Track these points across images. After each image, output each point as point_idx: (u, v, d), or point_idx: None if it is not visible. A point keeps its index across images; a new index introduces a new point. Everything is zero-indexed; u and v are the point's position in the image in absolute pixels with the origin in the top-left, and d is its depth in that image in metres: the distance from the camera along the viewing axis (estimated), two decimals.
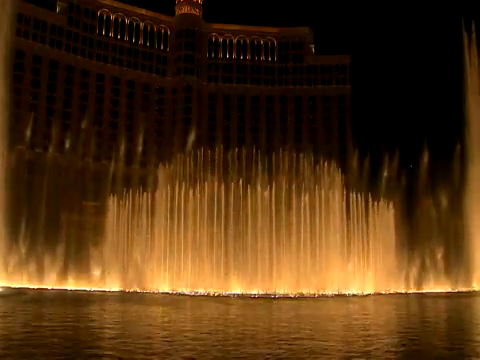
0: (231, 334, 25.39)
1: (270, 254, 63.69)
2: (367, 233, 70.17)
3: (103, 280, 67.64)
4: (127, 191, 75.46)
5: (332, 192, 66.31)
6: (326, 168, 68.55)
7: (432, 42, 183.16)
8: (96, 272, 68.99)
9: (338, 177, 68.03)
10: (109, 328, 27.88)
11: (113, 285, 64.96)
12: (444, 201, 76.46)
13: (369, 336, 25.12)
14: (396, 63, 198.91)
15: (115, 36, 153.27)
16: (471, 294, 60.24)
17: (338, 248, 64.87)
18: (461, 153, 75.93)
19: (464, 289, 63.73)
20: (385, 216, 70.63)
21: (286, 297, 54.05)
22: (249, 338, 23.76)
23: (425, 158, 77.13)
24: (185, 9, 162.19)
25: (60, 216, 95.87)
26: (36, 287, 63.50)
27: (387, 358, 19.13)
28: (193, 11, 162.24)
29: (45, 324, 29.23)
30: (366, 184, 71.92)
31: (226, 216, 66.44)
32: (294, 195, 65.29)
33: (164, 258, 66.15)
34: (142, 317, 33.97)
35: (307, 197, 65.05)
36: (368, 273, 67.94)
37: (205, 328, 27.56)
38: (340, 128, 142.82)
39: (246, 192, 66.08)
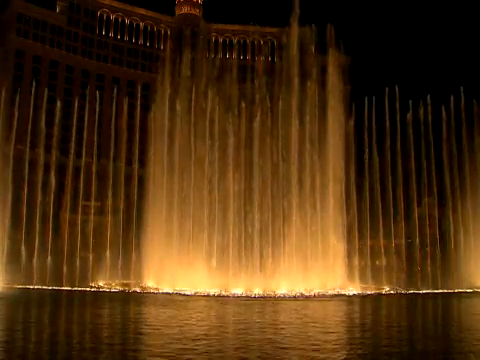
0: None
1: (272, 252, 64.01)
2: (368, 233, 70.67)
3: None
4: (126, 190, 75.71)
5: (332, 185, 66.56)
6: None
7: (432, 42, 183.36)
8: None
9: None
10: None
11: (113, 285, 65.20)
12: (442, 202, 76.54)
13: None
14: (396, 63, 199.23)
15: (115, 36, 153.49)
16: (470, 294, 60.31)
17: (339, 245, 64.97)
18: (458, 153, 76.13)
19: (466, 289, 63.60)
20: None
21: (287, 298, 54.00)
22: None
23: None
24: (185, 9, 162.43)
25: (60, 216, 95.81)
26: (35, 287, 63.41)
27: None
28: (193, 11, 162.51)
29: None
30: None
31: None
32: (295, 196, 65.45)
33: (164, 258, 66.06)
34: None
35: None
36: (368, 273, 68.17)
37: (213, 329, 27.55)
38: None
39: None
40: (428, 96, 77.90)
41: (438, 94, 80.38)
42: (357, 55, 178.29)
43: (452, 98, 77.50)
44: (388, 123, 76.15)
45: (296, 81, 68.79)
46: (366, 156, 74.34)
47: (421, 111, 76.28)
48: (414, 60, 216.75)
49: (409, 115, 76.20)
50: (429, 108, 76.96)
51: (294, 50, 69.83)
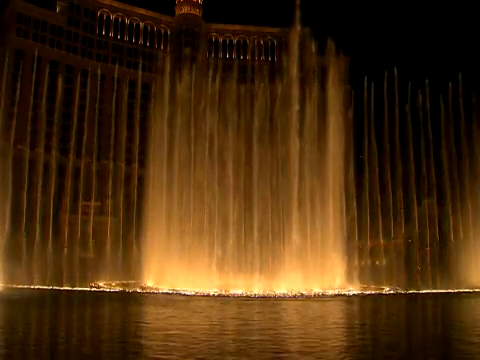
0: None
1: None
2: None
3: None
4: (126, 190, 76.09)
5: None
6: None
7: (432, 42, 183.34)
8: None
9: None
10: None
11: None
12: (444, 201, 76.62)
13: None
14: (396, 63, 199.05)
15: (115, 36, 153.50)
16: (470, 294, 60.30)
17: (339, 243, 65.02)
18: (457, 150, 76.34)
19: (466, 289, 63.53)
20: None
21: (287, 298, 54.00)
22: None
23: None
24: (185, 9, 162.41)
25: (60, 216, 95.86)
26: (35, 287, 63.46)
27: None
28: (193, 11, 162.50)
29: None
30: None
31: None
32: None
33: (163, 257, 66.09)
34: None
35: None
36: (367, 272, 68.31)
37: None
38: None
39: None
40: (426, 81, 78.01)
41: (437, 83, 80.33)
42: (357, 54, 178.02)
43: (450, 86, 77.43)
44: (387, 119, 76.26)
45: (296, 98, 68.55)
46: (365, 155, 74.41)
47: (420, 100, 76.35)
48: (412, 49, 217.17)
49: (407, 107, 76.23)
50: (427, 95, 77.01)
51: (294, 71, 69.73)
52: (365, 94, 75.91)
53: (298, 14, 69.10)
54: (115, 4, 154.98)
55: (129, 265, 70.90)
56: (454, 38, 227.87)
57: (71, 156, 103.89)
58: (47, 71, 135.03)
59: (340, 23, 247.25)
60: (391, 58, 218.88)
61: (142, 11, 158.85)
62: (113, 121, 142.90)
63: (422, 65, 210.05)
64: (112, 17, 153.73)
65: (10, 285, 60.84)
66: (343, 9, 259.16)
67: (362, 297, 55.96)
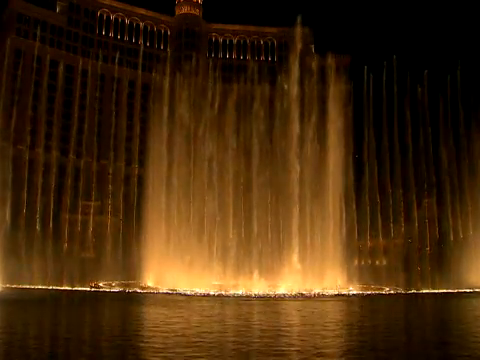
0: None
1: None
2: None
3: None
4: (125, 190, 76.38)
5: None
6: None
7: (431, 41, 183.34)
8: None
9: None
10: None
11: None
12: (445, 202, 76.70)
13: None
14: (396, 54, 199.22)
15: (115, 36, 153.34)
16: (470, 295, 60.32)
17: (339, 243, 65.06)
18: (456, 154, 76.42)
19: (465, 290, 63.54)
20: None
21: (286, 298, 54.01)
22: None
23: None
24: (185, 9, 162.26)
25: (60, 216, 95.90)
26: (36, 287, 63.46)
27: None
28: (193, 11, 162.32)
29: None
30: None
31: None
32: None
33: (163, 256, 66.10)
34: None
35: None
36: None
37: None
38: None
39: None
40: (425, 71, 78.23)
41: (436, 77, 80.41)
42: (357, 54, 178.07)
43: (449, 80, 77.72)
44: (385, 115, 76.35)
45: (296, 106, 68.55)
46: (365, 155, 74.51)
47: (419, 94, 76.60)
48: (412, 41, 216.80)
49: (406, 101, 76.46)
50: (426, 89, 77.31)
51: (295, 92, 69.86)
52: (365, 87, 76.14)
53: (299, 32, 69.81)
54: (115, 4, 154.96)
55: (129, 265, 70.88)
56: (452, 32, 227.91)
57: (71, 156, 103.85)
58: (47, 71, 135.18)
59: (340, 18, 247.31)
60: (390, 50, 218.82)
61: (142, 11, 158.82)
62: (113, 121, 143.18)
63: (421, 57, 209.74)
64: (112, 17, 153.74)
65: (10, 285, 60.82)
66: (342, 3, 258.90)
67: (362, 297, 55.98)
